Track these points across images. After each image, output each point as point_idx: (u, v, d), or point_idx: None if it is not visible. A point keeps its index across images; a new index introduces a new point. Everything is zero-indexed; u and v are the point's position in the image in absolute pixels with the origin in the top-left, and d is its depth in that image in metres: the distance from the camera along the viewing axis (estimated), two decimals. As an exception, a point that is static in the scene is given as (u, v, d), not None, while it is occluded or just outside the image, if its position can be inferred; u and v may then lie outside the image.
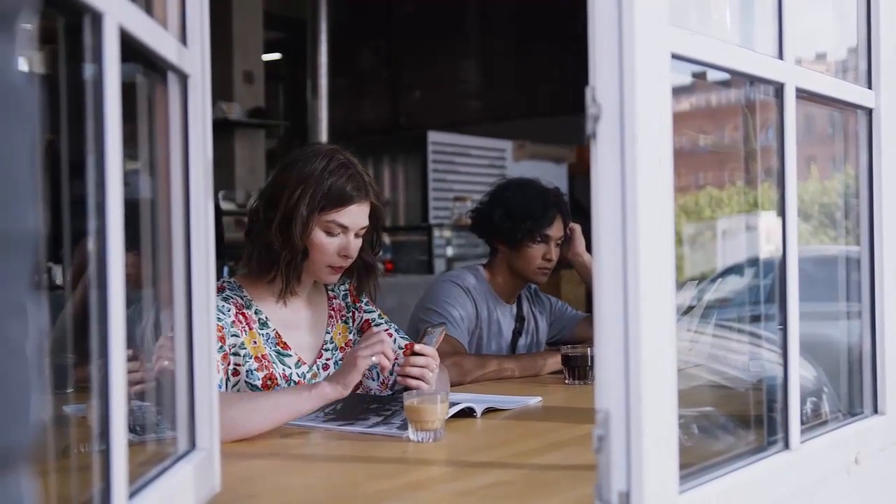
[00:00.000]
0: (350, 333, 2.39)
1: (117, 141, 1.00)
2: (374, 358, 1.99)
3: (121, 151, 1.01)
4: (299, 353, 2.26)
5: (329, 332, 2.35)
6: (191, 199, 1.34)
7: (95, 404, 1.00)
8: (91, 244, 0.99)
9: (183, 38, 1.33)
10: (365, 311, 2.43)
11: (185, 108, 1.33)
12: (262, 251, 2.20)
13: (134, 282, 1.18)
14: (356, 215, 2.21)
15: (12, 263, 0.53)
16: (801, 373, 1.55)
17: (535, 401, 2.35)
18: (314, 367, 2.28)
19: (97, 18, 0.98)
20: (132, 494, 1.06)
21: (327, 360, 2.32)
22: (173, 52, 1.27)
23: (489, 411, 2.18)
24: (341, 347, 2.35)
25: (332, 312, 2.38)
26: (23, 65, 0.57)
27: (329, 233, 2.20)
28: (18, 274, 0.53)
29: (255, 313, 2.22)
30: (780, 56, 1.51)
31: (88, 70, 0.99)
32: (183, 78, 1.33)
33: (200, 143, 1.35)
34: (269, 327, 2.22)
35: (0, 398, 0.52)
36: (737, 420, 1.68)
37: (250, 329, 2.19)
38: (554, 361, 2.82)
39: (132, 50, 1.09)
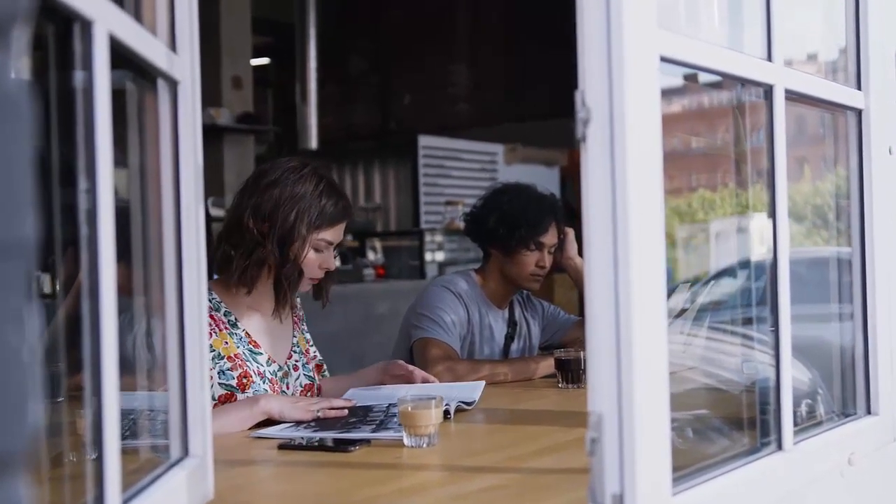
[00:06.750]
0: (307, 343, 2.51)
1: (108, 148, 1.00)
2: (319, 413, 2.12)
3: (111, 159, 1.01)
4: (268, 352, 2.34)
5: (295, 337, 2.46)
6: (181, 206, 1.34)
7: (86, 413, 1.00)
8: (82, 252, 0.99)
9: (172, 45, 1.33)
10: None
11: (175, 114, 1.33)
12: (254, 266, 2.26)
13: (123, 291, 1.17)
14: (341, 232, 2.35)
15: (10, 270, 0.53)
16: (795, 375, 1.55)
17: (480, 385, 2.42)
18: (285, 367, 2.38)
19: (87, 26, 0.98)
20: (125, 502, 1.06)
21: (296, 361, 2.43)
22: (163, 58, 1.26)
23: (461, 410, 2.22)
24: (304, 352, 2.47)
25: (297, 319, 2.49)
26: (18, 72, 0.57)
27: (317, 249, 2.30)
28: (16, 280, 0.54)
29: (225, 315, 2.29)
30: (769, 58, 1.51)
31: (78, 77, 0.99)
32: (173, 84, 1.32)
33: (191, 150, 1.35)
34: (239, 328, 2.30)
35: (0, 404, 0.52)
36: (730, 421, 1.68)
37: (220, 331, 2.26)
38: (547, 365, 2.82)
39: (121, 56, 1.09)
